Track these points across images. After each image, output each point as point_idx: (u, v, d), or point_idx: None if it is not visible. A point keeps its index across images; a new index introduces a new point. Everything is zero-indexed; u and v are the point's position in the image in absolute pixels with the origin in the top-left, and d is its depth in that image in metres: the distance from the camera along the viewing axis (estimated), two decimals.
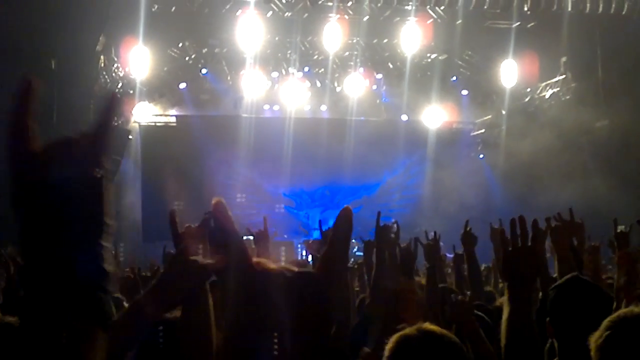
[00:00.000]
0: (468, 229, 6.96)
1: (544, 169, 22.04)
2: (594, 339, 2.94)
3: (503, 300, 3.57)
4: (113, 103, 1.58)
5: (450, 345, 3.13)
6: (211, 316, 3.46)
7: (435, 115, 27.99)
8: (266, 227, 6.66)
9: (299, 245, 24.69)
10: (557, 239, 5.75)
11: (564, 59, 25.09)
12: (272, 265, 2.04)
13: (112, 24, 23.20)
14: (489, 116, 28.48)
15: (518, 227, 3.47)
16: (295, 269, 2.02)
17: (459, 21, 24.63)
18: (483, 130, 28.99)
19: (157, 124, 28.24)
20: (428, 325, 3.19)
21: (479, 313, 5.07)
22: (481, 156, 28.96)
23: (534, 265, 3.44)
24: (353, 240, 7.12)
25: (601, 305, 3.68)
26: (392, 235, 6.50)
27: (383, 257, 6.17)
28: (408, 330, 3.15)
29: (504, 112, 27.04)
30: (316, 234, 27.50)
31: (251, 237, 6.83)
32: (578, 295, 3.73)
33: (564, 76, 25.29)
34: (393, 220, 7.09)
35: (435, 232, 7.38)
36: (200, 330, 3.49)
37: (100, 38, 23.42)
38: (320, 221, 7.68)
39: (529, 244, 3.44)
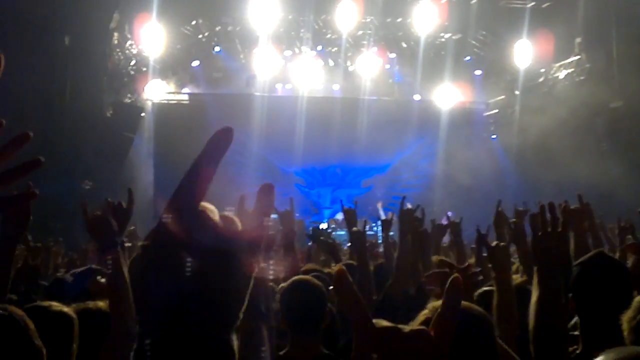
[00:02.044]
0: (500, 209, 6.84)
1: (557, 150, 21.92)
2: (628, 319, 2.93)
3: (533, 284, 3.57)
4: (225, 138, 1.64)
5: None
6: None
7: (448, 95, 27.88)
8: (293, 207, 6.73)
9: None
10: (577, 221, 5.77)
11: (578, 39, 24.91)
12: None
13: (125, 1, 23.19)
14: (502, 96, 28.33)
15: (548, 213, 3.51)
16: None
17: (474, 0, 24.51)
18: (496, 111, 28.86)
19: (170, 102, 28.22)
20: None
21: None
22: (494, 136, 28.84)
23: (564, 251, 3.53)
24: (363, 219, 7.14)
25: (625, 282, 3.67)
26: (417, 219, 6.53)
27: (406, 239, 6.22)
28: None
29: (517, 93, 26.89)
30: (327, 213, 27.56)
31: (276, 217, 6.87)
32: (602, 272, 3.70)
33: (578, 57, 25.10)
34: (404, 198, 7.05)
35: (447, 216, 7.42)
36: None
37: (114, 15, 23.41)
38: (341, 201, 7.74)
39: (559, 229, 3.50)
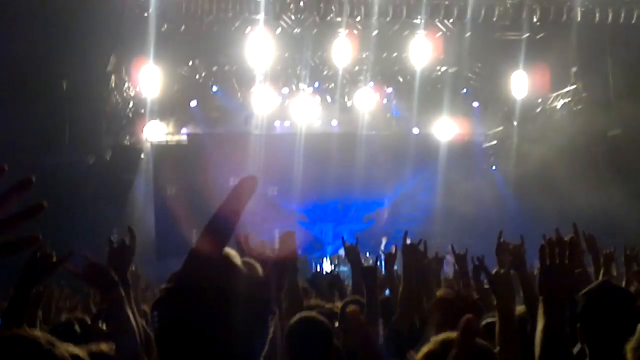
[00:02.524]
0: (502, 240, 6.84)
1: (557, 180, 21.93)
2: (632, 349, 2.93)
3: (538, 314, 3.56)
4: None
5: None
6: None
7: (446, 128, 27.89)
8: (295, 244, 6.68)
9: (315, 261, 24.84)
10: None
11: (574, 69, 25.03)
12: None
13: (122, 44, 23.33)
14: (501, 127, 28.37)
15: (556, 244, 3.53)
16: None
17: (468, 34, 24.64)
18: (495, 142, 28.89)
19: (169, 142, 28.26)
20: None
21: None
22: (493, 168, 28.87)
23: (571, 283, 3.52)
24: (367, 255, 7.21)
25: (632, 311, 3.66)
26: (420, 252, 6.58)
27: (410, 273, 6.22)
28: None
29: (515, 123, 26.94)
30: (330, 249, 27.52)
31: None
32: (608, 301, 3.70)
33: (574, 86, 25.20)
34: (406, 232, 7.09)
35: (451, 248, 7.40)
36: None
37: (111, 58, 23.53)
38: (342, 238, 7.72)
39: (566, 261, 3.51)
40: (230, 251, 1.90)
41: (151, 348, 3.74)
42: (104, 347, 4.16)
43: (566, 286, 3.49)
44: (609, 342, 3.43)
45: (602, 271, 6.40)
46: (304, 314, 4.61)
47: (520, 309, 5.23)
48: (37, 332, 3.16)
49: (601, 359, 3.58)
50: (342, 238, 7.47)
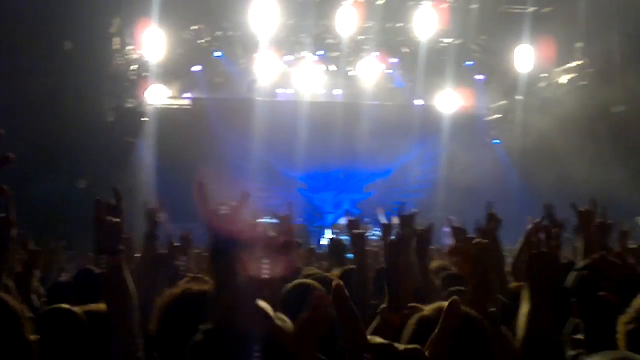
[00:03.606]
0: (491, 211, 6.85)
1: (559, 154, 21.92)
2: (623, 322, 2.96)
3: (523, 297, 3.73)
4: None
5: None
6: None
7: (450, 100, 27.82)
8: (292, 212, 6.75)
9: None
10: (586, 225, 5.80)
11: (580, 44, 24.91)
12: None
13: (126, 6, 23.21)
14: (504, 101, 28.30)
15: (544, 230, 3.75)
16: None
17: (475, 5, 24.51)
18: (498, 115, 28.83)
19: (172, 106, 28.18)
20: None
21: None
22: (496, 141, 28.82)
23: (557, 269, 3.69)
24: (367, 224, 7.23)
25: (628, 285, 3.66)
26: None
27: (409, 245, 6.22)
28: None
29: (519, 98, 26.86)
30: (330, 218, 27.54)
31: (275, 221, 6.89)
32: (604, 275, 3.71)
33: (580, 62, 25.10)
34: (403, 204, 7.10)
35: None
36: None
37: (115, 20, 23.43)
38: (347, 210, 7.76)
39: (552, 248, 3.69)
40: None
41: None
42: (103, 307, 4.16)
43: (552, 273, 3.62)
44: (603, 317, 3.45)
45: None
46: (298, 281, 4.60)
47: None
48: None
49: (596, 334, 3.59)
50: (347, 211, 7.55)
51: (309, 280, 4.72)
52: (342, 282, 1.55)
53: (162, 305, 3.54)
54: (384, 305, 4.11)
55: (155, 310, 3.54)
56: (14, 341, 2.99)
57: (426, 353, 1.44)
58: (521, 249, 5.14)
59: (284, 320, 2.05)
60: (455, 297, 1.46)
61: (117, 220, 3.73)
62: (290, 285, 4.52)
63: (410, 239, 4.65)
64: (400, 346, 1.45)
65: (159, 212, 6.64)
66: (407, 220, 6.75)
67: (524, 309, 3.58)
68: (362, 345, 1.43)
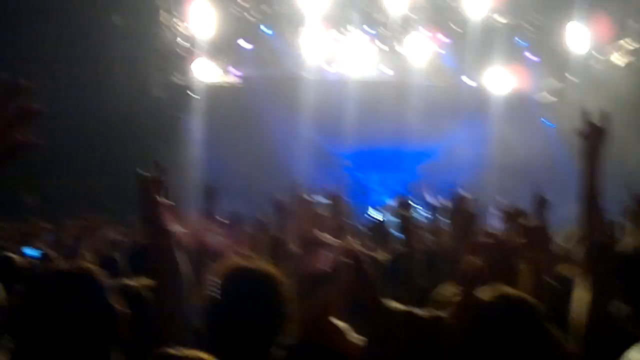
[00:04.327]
0: (539, 192, 6.69)
1: (615, 138, 21.54)
2: None
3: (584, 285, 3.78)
4: None
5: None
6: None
7: (502, 81, 27.45)
8: (342, 193, 6.80)
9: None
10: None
11: (636, 24, 24.46)
12: None
13: None
14: (557, 81, 27.89)
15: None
16: None
17: None
18: (550, 96, 28.43)
19: (218, 83, 28.16)
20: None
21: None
22: (548, 123, 28.42)
23: (615, 258, 3.79)
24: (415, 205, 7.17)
25: None
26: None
27: (458, 225, 6.18)
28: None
29: (572, 78, 26.43)
30: (377, 197, 27.39)
31: (326, 201, 6.88)
32: None
33: (634, 42, 24.66)
34: (459, 188, 7.03)
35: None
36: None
37: None
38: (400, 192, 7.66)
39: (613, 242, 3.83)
40: None
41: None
42: (145, 281, 4.07)
43: (612, 261, 3.73)
44: None
45: None
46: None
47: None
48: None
49: None
50: (399, 192, 7.51)
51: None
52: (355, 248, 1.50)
53: (222, 276, 3.38)
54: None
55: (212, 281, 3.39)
56: (102, 309, 3.02)
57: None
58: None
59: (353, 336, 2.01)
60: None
61: (159, 194, 3.73)
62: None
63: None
64: (422, 313, 1.40)
65: (217, 192, 6.77)
66: (459, 203, 6.65)
67: (584, 296, 3.63)
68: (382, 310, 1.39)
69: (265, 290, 3.28)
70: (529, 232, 4.50)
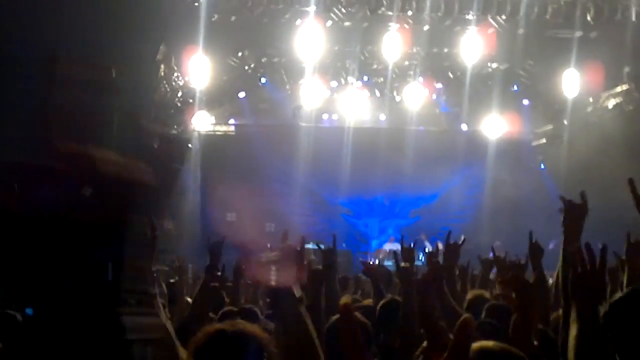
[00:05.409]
0: (534, 240, 6.75)
1: (608, 181, 21.64)
2: None
3: (571, 319, 3.72)
4: None
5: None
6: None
7: (496, 125, 27.64)
8: (335, 245, 6.79)
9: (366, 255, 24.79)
10: (632, 255, 5.75)
11: (627, 69, 24.65)
12: None
13: (172, 33, 23.44)
14: (551, 126, 28.07)
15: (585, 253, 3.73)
16: None
17: (521, 31, 24.40)
18: (544, 141, 28.60)
19: (217, 133, 28.37)
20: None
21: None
22: (542, 167, 28.57)
23: (602, 287, 3.72)
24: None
25: None
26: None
27: (453, 273, 6.23)
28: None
29: (565, 122, 26.61)
30: (375, 244, 27.47)
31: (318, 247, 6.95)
32: (636, 309, 3.65)
33: (627, 86, 24.83)
34: (449, 231, 7.15)
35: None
36: None
37: (161, 47, 23.66)
38: (402, 236, 7.62)
39: (597, 267, 3.69)
40: None
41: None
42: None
43: (599, 291, 3.66)
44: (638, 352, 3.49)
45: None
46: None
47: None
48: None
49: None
50: (402, 237, 7.43)
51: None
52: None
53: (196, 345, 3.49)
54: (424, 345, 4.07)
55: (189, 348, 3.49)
56: None
57: None
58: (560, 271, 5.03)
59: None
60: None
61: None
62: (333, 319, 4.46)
63: (436, 276, 4.62)
64: None
65: (221, 246, 6.81)
66: (453, 249, 6.73)
67: (574, 330, 3.56)
68: None
69: (246, 353, 3.39)
70: (524, 292, 4.49)
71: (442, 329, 4.08)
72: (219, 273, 6.54)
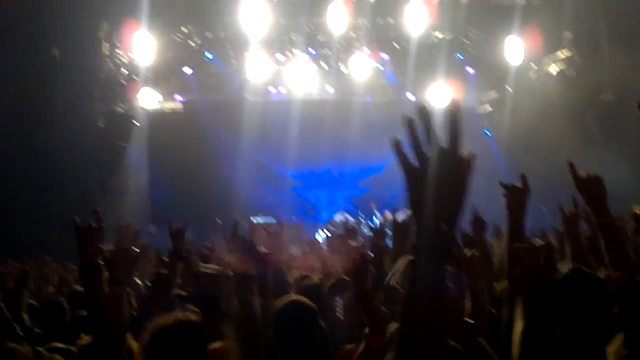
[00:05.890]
0: (477, 215, 6.85)
1: (551, 145, 21.94)
2: (613, 352, 2.99)
3: (516, 313, 3.60)
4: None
5: None
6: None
7: (441, 94, 27.79)
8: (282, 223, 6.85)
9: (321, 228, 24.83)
10: (571, 228, 5.79)
11: (568, 34, 24.97)
12: None
13: (113, 10, 23.18)
14: (495, 93, 28.35)
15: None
16: None
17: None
18: (489, 108, 28.88)
19: (163, 110, 28.15)
20: None
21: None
22: (488, 133, 28.84)
23: (548, 284, 3.55)
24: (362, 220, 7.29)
25: (604, 300, 3.61)
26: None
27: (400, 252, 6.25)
28: None
29: (509, 89, 26.90)
30: (324, 215, 27.56)
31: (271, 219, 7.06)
32: (577, 291, 3.65)
33: (569, 52, 25.16)
34: (393, 210, 7.21)
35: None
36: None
37: (103, 24, 23.40)
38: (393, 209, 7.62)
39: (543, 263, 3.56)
40: None
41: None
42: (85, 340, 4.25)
43: (544, 285, 3.49)
44: (581, 331, 3.45)
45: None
46: (288, 298, 4.51)
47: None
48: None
49: (573, 349, 3.54)
50: (393, 210, 7.46)
51: (299, 298, 4.62)
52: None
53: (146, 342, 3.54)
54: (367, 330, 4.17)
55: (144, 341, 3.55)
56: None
57: None
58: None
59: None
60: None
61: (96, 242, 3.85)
62: (282, 302, 4.46)
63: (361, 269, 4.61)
64: None
65: (184, 232, 6.71)
66: (401, 229, 6.77)
67: (519, 327, 3.47)
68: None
69: (188, 341, 3.52)
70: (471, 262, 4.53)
71: (382, 313, 4.22)
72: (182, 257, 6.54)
